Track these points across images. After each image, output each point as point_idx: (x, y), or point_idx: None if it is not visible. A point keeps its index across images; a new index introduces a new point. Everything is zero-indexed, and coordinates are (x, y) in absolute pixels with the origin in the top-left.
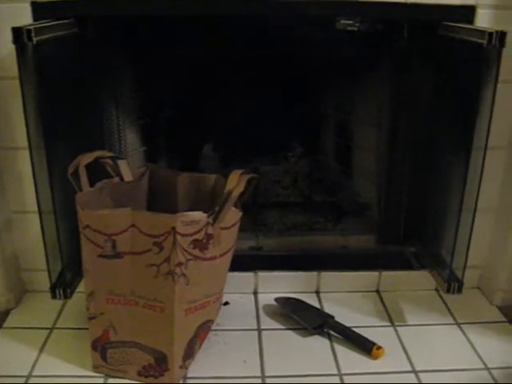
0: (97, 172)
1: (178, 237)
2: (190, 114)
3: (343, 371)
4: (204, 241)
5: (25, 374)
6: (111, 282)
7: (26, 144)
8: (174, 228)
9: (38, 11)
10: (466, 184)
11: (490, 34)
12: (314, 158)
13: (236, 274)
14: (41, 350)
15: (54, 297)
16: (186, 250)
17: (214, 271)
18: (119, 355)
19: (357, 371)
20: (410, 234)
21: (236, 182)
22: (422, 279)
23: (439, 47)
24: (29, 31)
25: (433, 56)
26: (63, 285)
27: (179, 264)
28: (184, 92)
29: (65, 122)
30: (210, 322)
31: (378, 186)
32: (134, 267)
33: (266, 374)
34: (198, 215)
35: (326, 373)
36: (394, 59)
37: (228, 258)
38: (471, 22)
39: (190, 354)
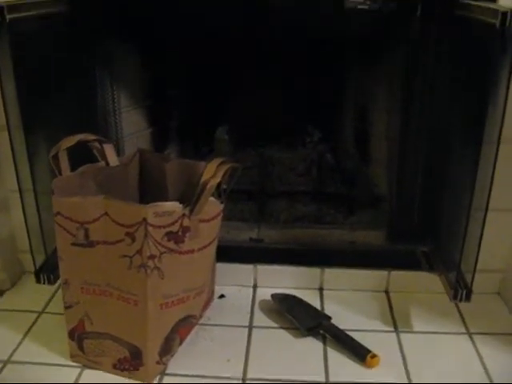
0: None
1: (150, 228)
2: (203, 94)
3: (331, 379)
4: (179, 233)
5: (4, 358)
6: (85, 271)
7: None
8: (145, 219)
9: None
10: (476, 180)
11: (504, 13)
12: (329, 145)
13: (235, 265)
14: (25, 335)
15: (38, 281)
16: (159, 243)
17: (192, 265)
18: (95, 346)
19: (345, 380)
20: (423, 232)
21: (213, 172)
22: (434, 281)
23: (455, 28)
24: (1, 8)
25: (449, 38)
26: (47, 270)
27: (152, 256)
28: (196, 72)
29: (53, 103)
30: (192, 317)
31: (391, 177)
32: (107, 257)
33: (248, 375)
34: (172, 206)
35: (312, 379)
36: (408, 41)
37: (209, 251)
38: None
39: (167, 349)
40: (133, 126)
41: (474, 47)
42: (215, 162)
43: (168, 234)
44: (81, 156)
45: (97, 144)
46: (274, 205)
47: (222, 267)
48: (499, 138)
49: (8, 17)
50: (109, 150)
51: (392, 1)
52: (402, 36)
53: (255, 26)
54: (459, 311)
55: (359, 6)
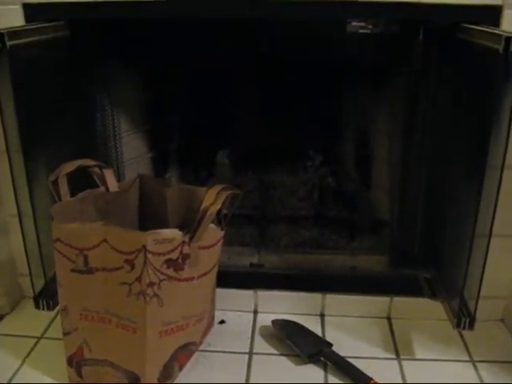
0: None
1: (149, 255)
2: (203, 118)
3: None
4: (179, 261)
5: (3, 383)
6: (84, 297)
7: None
8: (144, 246)
9: (29, 13)
10: (480, 206)
11: (508, 38)
12: (331, 169)
13: (236, 291)
14: (24, 360)
15: (37, 307)
16: (158, 270)
17: (192, 293)
18: (94, 373)
19: None
20: (425, 257)
21: (213, 199)
22: (437, 307)
23: (458, 52)
24: (2, 35)
25: (451, 62)
26: (47, 296)
27: (151, 284)
28: (196, 96)
29: (53, 128)
30: (192, 344)
31: (393, 202)
32: (106, 284)
33: None
34: (172, 233)
35: None
36: (410, 65)
37: (210, 278)
38: (496, 24)
39: (166, 376)
40: (133, 150)
41: (476, 72)
42: (215, 188)
43: (167, 261)
44: (81, 181)
45: (97, 169)
46: (274, 229)
47: (223, 292)
48: (503, 164)
49: (8, 43)
50: (109, 175)
51: (394, 25)
52: (404, 60)
53: (256, 49)
54: (462, 338)
55: (361, 30)
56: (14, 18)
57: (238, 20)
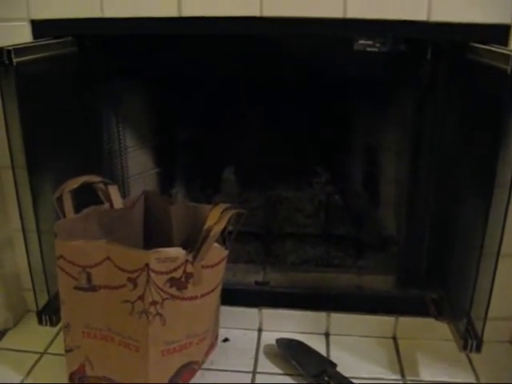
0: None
1: (153, 274)
2: (210, 134)
3: None
4: (182, 279)
5: None
6: (87, 315)
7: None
8: (147, 265)
9: (37, 29)
10: (487, 225)
11: None
12: (337, 186)
13: (240, 309)
14: (26, 376)
15: (40, 323)
16: (161, 289)
17: (195, 312)
18: None
19: None
20: (432, 277)
21: (217, 218)
22: (443, 328)
23: (466, 72)
24: (8, 52)
25: (459, 81)
26: (50, 311)
27: (154, 303)
28: (203, 112)
29: (58, 143)
30: (195, 363)
31: (400, 220)
32: (109, 302)
33: None
34: (175, 252)
35: None
36: (417, 84)
37: (213, 297)
38: (505, 43)
39: None
40: (139, 166)
41: (484, 91)
42: (220, 207)
43: (171, 280)
44: (87, 197)
45: (101, 185)
46: (280, 247)
47: (227, 310)
48: (511, 183)
49: (15, 60)
50: (113, 191)
51: (402, 44)
52: (412, 78)
53: (263, 66)
54: (469, 360)
55: (368, 49)
56: (22, 35)
57: (245, 38)
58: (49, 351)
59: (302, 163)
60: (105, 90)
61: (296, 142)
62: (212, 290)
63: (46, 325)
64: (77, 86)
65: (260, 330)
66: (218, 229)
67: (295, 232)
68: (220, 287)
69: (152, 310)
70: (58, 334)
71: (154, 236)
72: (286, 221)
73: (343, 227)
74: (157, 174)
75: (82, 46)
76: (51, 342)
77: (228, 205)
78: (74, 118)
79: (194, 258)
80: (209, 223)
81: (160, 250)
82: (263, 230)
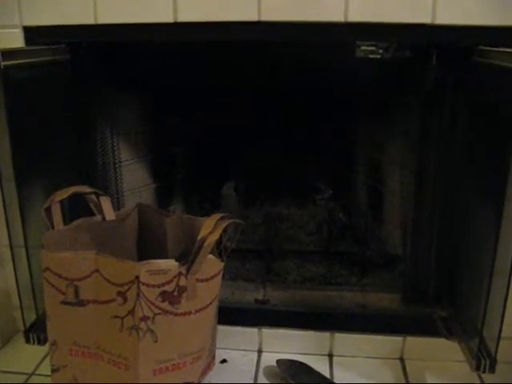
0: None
1: (143, 287)
2: (209, 149)
3: None
4: (175, 293)
5: None
6: (74, 331)
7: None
8: (137, 277)
9: (30, 36)
10: (499, 240)
11: None
12: (341, 203)
13: (239, 328)
14: None
15: (27, 341)
16: (152, 303)
17: (189, 328)
18: None
19: None
20: (441, 295)
21: (211, 229)
22: (454, 348)
23: (474, 76)
24: None
25: (466, 86)
26: (38, 330)
27: (144, 318)
28: (202, 126)
29: (50, 154)
30: None
31: (406, 237)
32: (97, 318)
33: None
34: (167, 264)
35: None
36: (422, 92)
37: (209, 313)
38: None
39: None
40: (135, 180)
41: (492, 96)
42: (214, 217)
43: (163, 293)
44: (79, 211)
45: (93, 197)
46: (281, 264)
47: (225, 330)
48: None
49: (3, 64)
50: (105, 203)
51: (405, 49)
52: (417, 86)
53: (262, 78)
54: (481, 381)
55: (371, 56)
56: (15, 42)
57: (245, 48)
58: (37, 372)
59: (303, 179)
60: (99, 99)
61: (298, 157)
62: (207, 306)
63: (34, 343)
64: (70, 95)
65: (260, 351)
66: (212, 239)
67: (297, 249)
68: (216, 303)
69: (143, 325)
70: (47, 353)
71: (148, 249)
72: (287, 237)
73: (346, 244)
74: (154, 190)
75: (76, 53)
76: (40, 362)
77: (223, 214)
78: (67, 128)
79: (188, 270)
80: (203, 233)
81: (151, 261)
82: (263, 246)
